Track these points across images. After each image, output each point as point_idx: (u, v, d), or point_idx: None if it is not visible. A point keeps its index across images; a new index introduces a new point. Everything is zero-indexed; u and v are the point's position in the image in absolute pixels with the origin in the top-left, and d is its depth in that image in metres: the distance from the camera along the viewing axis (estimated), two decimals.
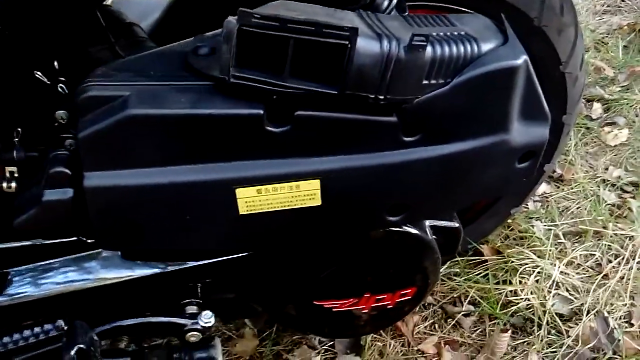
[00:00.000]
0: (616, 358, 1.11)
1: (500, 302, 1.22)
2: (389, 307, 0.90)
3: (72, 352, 0.69)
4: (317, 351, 1.18)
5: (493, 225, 1.29)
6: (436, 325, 1.22)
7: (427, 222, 0.86)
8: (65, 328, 0.75)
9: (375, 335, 1.18)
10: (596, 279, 1.25)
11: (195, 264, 0.81)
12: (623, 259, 1.29)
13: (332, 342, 1.19)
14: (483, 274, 1.28)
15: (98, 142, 0.64)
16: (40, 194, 0.69)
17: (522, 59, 0.67)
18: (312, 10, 0.62)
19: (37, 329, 0.76)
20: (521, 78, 0.68)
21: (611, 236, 1.33)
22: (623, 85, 1.74)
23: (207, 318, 0.81)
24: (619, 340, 1.12)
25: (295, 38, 0.58)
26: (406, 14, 0.76)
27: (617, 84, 1.74)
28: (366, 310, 0.90)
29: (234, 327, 1.23)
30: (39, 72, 0.77)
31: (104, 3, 0.81)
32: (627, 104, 1.67)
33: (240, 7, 0.57)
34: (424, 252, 0.85)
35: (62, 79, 0.78)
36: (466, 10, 0.92)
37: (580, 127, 1.62)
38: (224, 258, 0.81)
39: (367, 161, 0.69)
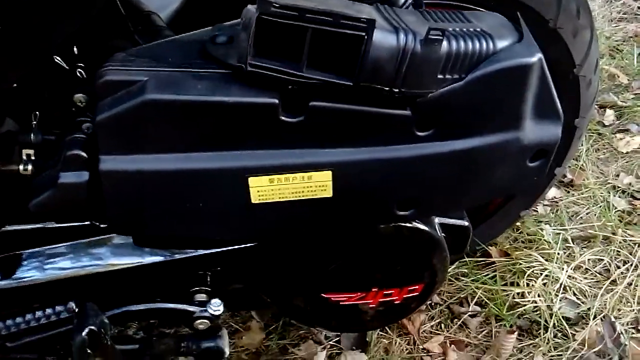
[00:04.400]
0: None
1: (507, 303, 1.23)
2: (396, 302, 0.91)
3: (83, 333, 0.70)
4: (322, 346, 1.19)
5: (502, 227, 1.30)
6: (442, 325, 1.23)
7: (437, 220, 0.87)
8: (77, 310, 0.76)
9: (381, 332, 1.19)
10: (604, 284, 1.26)
11: (205, 252, 0.82)
12: (631, 265, 1.29)
13: (338, 338, 1.20)
14: (491, 275, 1.29)
15: (115, 126, 0.65)
16: (57, 176, 0.70)
17: (537, 56, 0.68)
18: (331, 2, 0.63)
19: (48, 310, 0.78)
20: (535, 76, 0.68)
21: (620, 242, 1.34)
22: (637, 93, 1.75)
23: (216, 306, 0.82)
24: (626, 345, 1.12)
25: (313, 28, 0.59)
26: (423, 9, 0.78)
27: (630, 91, 1.75)
28: (373, 305, 0.91)
29: (241, 320, 1.25)
30: (58, 57, 0.79)
31: None
32: None
33: None
34: (432, 249, 0.86)
35: (81, 64, 0.79)
36: (482, 9, 0.92)
37: (593, 133, 1.63)
38: (234, 247, 0.82)
39: (380, 154, 0.70)
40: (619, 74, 1.77)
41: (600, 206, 1.44)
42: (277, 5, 0.58)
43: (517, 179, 0.77)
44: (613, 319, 1.18)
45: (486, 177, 0.75)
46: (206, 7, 0.93)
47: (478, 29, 0.67)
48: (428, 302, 1.25)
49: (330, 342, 1.19)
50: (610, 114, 1.69)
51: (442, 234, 0.87)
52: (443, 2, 0.92)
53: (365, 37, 0.59)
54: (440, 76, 0.65)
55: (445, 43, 0.62)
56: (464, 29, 0.66)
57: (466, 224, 0.90)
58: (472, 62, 0.65)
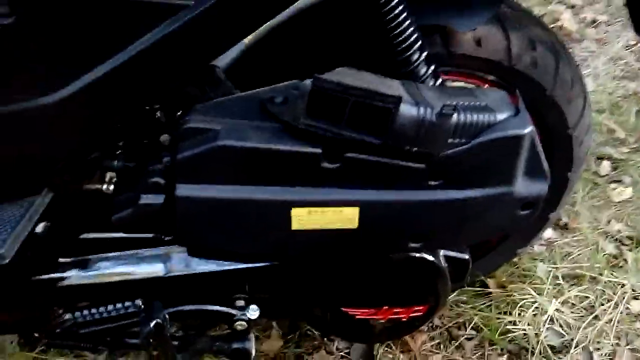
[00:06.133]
0: None
1: (500, 330, 1.35)
2: (402, 320, 1.06)
3: (151, 325, 0.87)
4: (334, 356, 1.32)
5: (500, 262, 1.44)
6: (441, 345, 1.35)
7: (442, 252, 1.01)
8: (143, 306, 0.93)
9: (386, 348, 1.33)
10: (587, 319, 1.37)
11: (247, 265, 0.97)
12: (614, 303, 1.40)
13: (347, 350, 1.33)
14: (487, 304, 1.41)
15: (192, 162, 0.82)
16: (138, 197, 0.87)
17: (529, 129, 0.84)
18: (368, 78, 0.80)
19: (118, 305, 0.94)
20: (527, 144, 0.84)
21: (605, 282, 1.45)
22: (632, 147, 1.85)
23: (254, 311, 0.98)
24: None
25: (353, 100, 0.77)
26: (439, 80, 0.95)
27: (627, 145, 1.85)
28: (383, 321, 1.06)
29: (262, 328, 1.37)
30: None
31: None
32: (634, 164, 1.79)
33: (316, 74, 0.76)
34: (436, 277, 1.00)
35: (158, 106, 0.96)
36: (491, 77, 1.09)
37: (589, 182, 1.73)
38: (271, 263, 0.98)
39: (398, 197, 0.86)
40: (617, 128, 1.89)
41: (590, 248, 1.55)
42: (327, 81, 0.76)
43: (508, 223, 0.93)
44: (592, 350, 1.31)
45: (483, 221, 0.91)
46: (260, 62, 1.10)
47: (482, 104, 0.83)
48: (429, 324, 1.38)
49: (341, 354, 1.32)
50: (606, 165, 1.79)
51: (446, 265, 1.01)
52: (456, 69, 1.08)
53: (393, 109, 0.76)
54: (450, 140, 0.81)
55: (455, 116, 0.79)
56: (471, 104, 0.83)
57: (467, 257, 1.03)
58: (476, 131, 0.82)
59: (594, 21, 2.41)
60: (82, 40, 0.77)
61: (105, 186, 0.92)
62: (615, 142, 1.87)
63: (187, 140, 0.82)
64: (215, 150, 0.80)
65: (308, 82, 0.77)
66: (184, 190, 0.83)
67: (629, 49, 2.26)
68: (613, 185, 1.75)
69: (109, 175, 0.93)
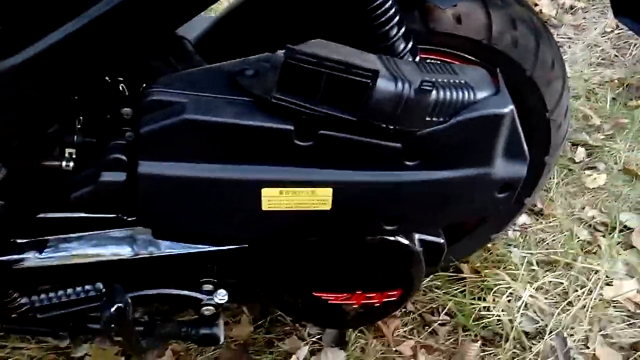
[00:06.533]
0: None
1: (474, 315, 1.34)
2: (376, 305, 1.04)
3: (112, 309, 0.82)
4: (305, 342, 1.29)
5: (474, 247, 1.43)
6: (414, 331, 1.34)
7: (417, 236, 0.99)
8: (104, 290, 0.88)
9: (359, 333, 1.31)
10: (561, 305, 1.37)
11: (215, 248, 0.93)
12: (587, 289, 1.40)
13: (319, 335, 1.31)
14: (461, 289, 1.40)
15: (155, 138, 0.77)
16: (98, 174, 0.82)
17: (509, 108, 0.81)
18: (344, 51, 0.76)
19: (78, 289, 0.90)
20: (507, 124, 0.81)
21: (579, 268, 1.45)
22: (607, 134, 1.85)
23: (222, 295, 0.94)
24: (574, 359, 1.26)
25: (328, 73, 0.72)
26: (418, 57, 0.91)
27: (601, 132, 1.86)
28: (356, 306, 1.03)
29: (232, 314, 1.34)
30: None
31: None
32: (609, 151, 1.80)
33: (287, 44, 0.72)
34: (411, 261, 0.98)
35: (121, 79, 0.91)
36: (471, 57, 1.06)
37: (564, 168, 1.74)
38: (240, 246, 0.94)
39: (373, 177, 0.83)
40: (593, 115, 1.89)
41: (564, 235, 1.55)
42: (300, 53, 0.71)
43: (486, 206, 0.91)
44: (566, 336, 1.30)
45: (460, 203, 0.88)
46: (231, 35, 1.05)
47: (462, 81, 0.80)
48: (403, 309, 1.36)
49: (313, 339, 1.30)
50: (581, 152, 1.80)
51: (420, 248, 0.99)
52: (435, 48, 1.05)
53: (370, 83, 0.73)
54: (428, 118, 0.78)
55: (434, 92, 0.76)
56: (451, 81, 0.79)
57: (442, 241, 1.02)
58: (455, 109, 0.78)
59: (571, 7, 2.41)
60: (35, 5, 0.72)
61: (64, 163, 0.88)
62: (590, 128, 1.87)
63: (150, 113, 0.77)
64: (180, 124, 0.76)
65: (280, 53, 0.73)
66: (146, 167, 0.79)
67: (605, 35, 2.26)
68: (588, 172, 1.76)
69: (68, 151, 0.88)
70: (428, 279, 1.42)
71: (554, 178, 1.70)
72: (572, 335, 1.32)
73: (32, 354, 1.26)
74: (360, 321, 1.10)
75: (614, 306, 1.39)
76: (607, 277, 1.44)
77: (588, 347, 1.30)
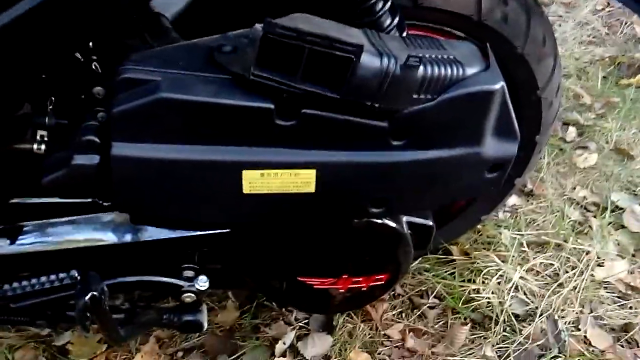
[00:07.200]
0: (560, 357, 1.22)
1: (463, 298, 1.32)
2: (363, 289, 1.01)
3: (86, 298, 0.79)
4: (292, 327, 1.27)
5: (464, 229, 1.40)
6: (403, 314, 1.32)
7: (404, 218, 0.97)
8: (79, 278, 0.85)
9: (346, 317, 1.29)
10: (552, 286, 1.35)
11: (195, 233, 0.90)
12: (579, 270, 1.39)
13: (306, 320, 1.29)
14: (450, 272, 1.38)
15: (129, 118, 0.74)
16: (70, 157, 0.78)
17: (500, 84, 0.78)
18: (326, 25, 0.72)
19: (52, 277, 0.86)
20: (497, 101, 0.79)
21: (570, 249, 1.44)
22: (598, 113, 1.84)
23: (203, 282, 0.91)
24: (565, 341, 1.24)
25: (309, 48, 0.69)
26: (405, 33, 0.88)
27: (593, 112, 1.84)
28: (342, 291, 1.01)
29: (217, 299, 1.32)
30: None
31: None
32: (600, 131, 1.78)
33: (267, 17, 0.68)
34: (398, 244, 0.96)
35: (95, 58, 0.87)
36: (460, 33, 1.03)
37: (554, 148, 1.72)
38: (222, 231, 0.91)
39: (359, 158, 0.80)
40: (584, 94, 1.87)
41: (555, 215, 1.53)
42: (280, 27, 0.68)
43: (475, 187, 0.88)
44: (557, 318, 1.29)
45: (448, 184, 0.86)
46: (209, 11, 1.01)
47: (451, 57, 0.77)
48: (391, 292, 1.34)
49: (300, 324, 1.28)
50: (572, 131, 1.78)
51: (408, 231, 0.96)
52: (423, 24, 1.01)
53: (354, 59, 0.69)
54: (415, 96, 0.75)
55: (421, 68, 0.72)
56: (439, 56, 0.76)
57: (430, 223, 1.00)
58: (443, 86, 0.75)
59: None
60: None
61: (36, 146, 0.84)
62: (581, 107, 1.85)
63: (123, 92, 0.73)
64: (155, 103, 0.72)
65: (259, 27, 0.69)
66: (120, 149, 0.75)
67: (596, 13, 2.24)
68: (579, 152, 1.74)
69: (40, 133, 0.84)
70: (417, 261, 1.40)
71: (544, 158, 1.68)
72: (563, 317, 1.30)
73: (12, 343, 1.23)
74: (347, 306, 1.08)
75: (605, 287, 1.38)
76: (598, 257, 1.43)
77: (579, 329, 1.28)
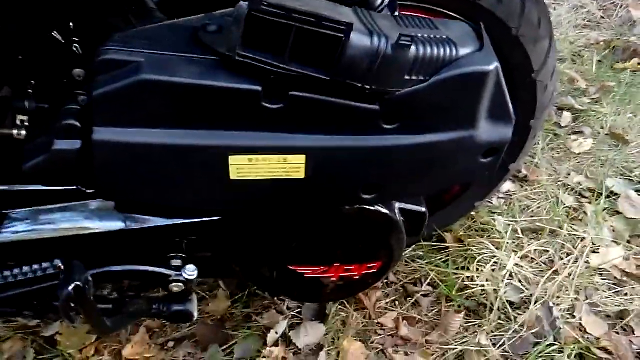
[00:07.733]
0: (556, 344, 1.21)
1: (457, 286, 1.31)
2: (355, 277, 0.99)
3: (70, 288, 0.76)
4: (284, 316, 1.26)
5: (458, 216, 1.39)
6: (397, 302, 1.31)
7: (397, 205, 0.95)
8: (63, 267, 0.82)
9: (339, 306, 1.27)
10: (547, 273, 1.34)
11: (182, 221, 0.88)
12: (574, 257, 1.38)
13: (299, 309, 1.27)
14: (444, 259, 1.37)
15: (110, 101, 0.71)
16: (51, 143, 0.76)
17: (494, 65, 0.75)
18: (315, 3, 0.70)
19: (35, 266, 0.84)
20: (491, 82, 0.76)
21: (565, 236, 1.42)
22: (593, 98, 1.82)
23: (191, 271, 0.89)
24: (560, 329, 1.23)
25: (297, 26, 0.66)
26: (397, 13, 0.85)
27: (587, 96, 1.82)
28: (335, 279, 0.99)
29: (208, 289, 1.30)
30: (54, 32, 0.83)
31: None
32: (595, 115, 1.76)
33: None
34: (391, 231, 0.94)
35: (76, 39, 0.84)
36: (453, 14, 1.00)
37: (549, 133, 1.70)
38: (211, 218, 0.88)
39: (349, 142, 0.77)
40: (579, 78, 1.85)
41: (550, 202, 1.52)
42: (266, 4, 0.65)
43: (469, 172, 0.86)
44: (552, 305, 1.27)
45: (442, 169, 0.83)
46: None
47: (444, 37, 0.74)
48: (384, 281, 1.33)
49: (292, 313, 1.26)
50: (567, 116, 1.76)
51: (401, 218, 0.95)
52: (415, 4, 0.98)
53: (344, 38, 0.66)
54: (407, 77, 0.72)
55: (413, 48, 0.70)
56: (432, 36, 0.73)
57: (423, 210, 0.98)
58: (437, 67, 0.73)
59: None
60: None
61: (16, 131, 0.81)
62: (576, 92, 1.83)
63: (104, 74, 0.71)
64: (137, 85, 0.69)
65: (244, 4, 0.66)
66: (102, 134, 0.72)
67: None
68: (573, 137, 1.73)
69: (20, 118, 0.81)
70: (410, 249, 1.38)
71: (539, 143, 1.66)
72: (558, 304, 1.29)
73: (0, 334, 1.20)
74: (339, 294, 1.06)
75: (600, 274, 1.37)
76: (593, 244, 1.41)
77: (574, 316, 1.27)
